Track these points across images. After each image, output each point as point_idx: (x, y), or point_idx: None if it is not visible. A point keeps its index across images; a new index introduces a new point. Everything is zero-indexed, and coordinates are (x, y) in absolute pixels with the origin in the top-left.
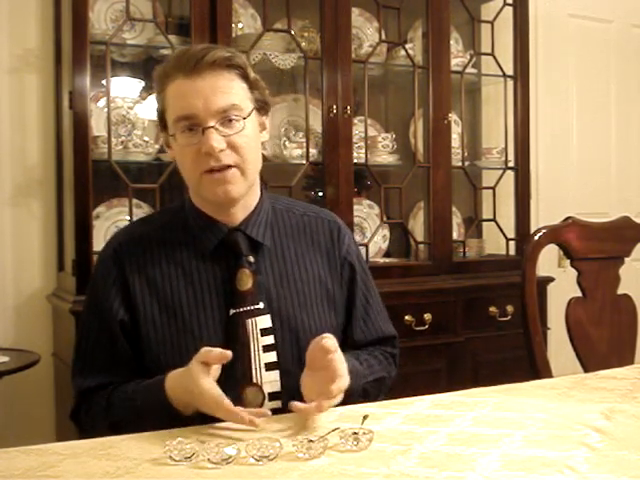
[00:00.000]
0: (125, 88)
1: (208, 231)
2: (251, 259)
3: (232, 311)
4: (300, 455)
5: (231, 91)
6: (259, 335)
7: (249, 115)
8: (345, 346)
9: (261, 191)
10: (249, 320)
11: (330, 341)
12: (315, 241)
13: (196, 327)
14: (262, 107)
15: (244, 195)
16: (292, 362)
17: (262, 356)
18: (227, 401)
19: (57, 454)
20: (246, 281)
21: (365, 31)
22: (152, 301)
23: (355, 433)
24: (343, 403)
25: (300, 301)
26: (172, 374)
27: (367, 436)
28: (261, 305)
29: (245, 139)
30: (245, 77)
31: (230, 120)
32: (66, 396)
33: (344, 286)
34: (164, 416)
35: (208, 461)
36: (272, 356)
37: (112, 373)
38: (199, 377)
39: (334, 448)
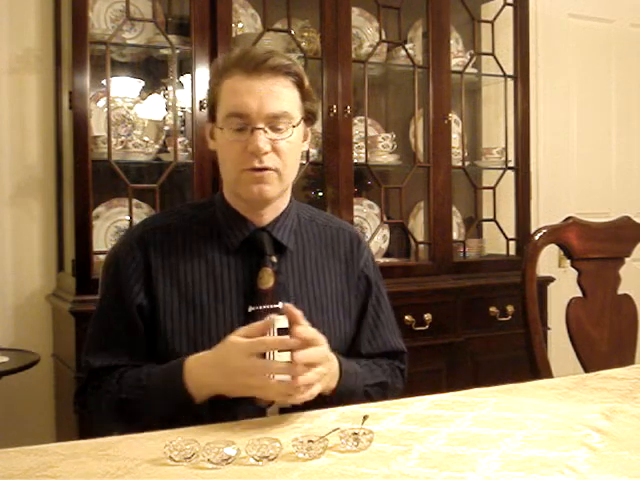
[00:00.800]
0: (125, 88)
1: (235, 227)
2: (274, 259)
3: (251, 308)
4: (300, 455)
5: (285, 98)
6: (276, 334)
7: (298, 124)
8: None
9: (291, 197)
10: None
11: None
12: (335, 252)
13: (214, 320)
14: (309, 118)
15: (277, 197)
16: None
17: (276, 356)
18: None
19: (57, 454)
20: (267, 280)
21: (365, 31)
22: (172, 290)
23: (355, 433)
24: (345, 404)
25: (317, 307)
26: (196, 355)
27: (367, 436)
28: (280, 305)
29: (289, 145)
30: (300, 86)
31: (279, 125)
32: (66, 396)
33: (359, 298)
34: (173, 400)
35: (208, 461)
36: (286, 356)
37: (127, 355)
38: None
39: (334, 448)
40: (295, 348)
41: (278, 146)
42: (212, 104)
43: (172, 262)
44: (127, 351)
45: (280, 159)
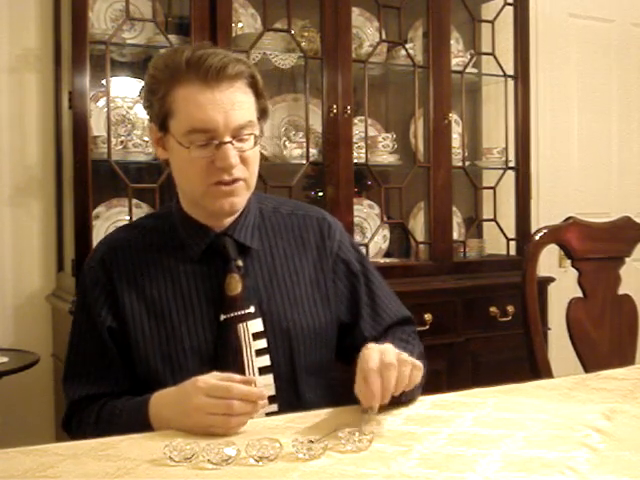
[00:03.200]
0: (125, 88)
1: (196, 236)
2: (240, 263)
3: (222, 317)
4: (300, 456)
5: (246, 107)
6: (251, 340)
7: (259, 133)
8: (352, 341)
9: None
10: (240, 325)
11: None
12: (305, 240)
13: (185, 334)
14: (262, 115)
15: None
16: (285, 364)
17: (255, 360)
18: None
19: (56, 455)
20: (235, 286)
21: (365, 31)
22: (140, 308)
23: (355, 434)
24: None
25: (291, 301)
26: (161, 391)
27: (367, 437)
28: (252, 309)
29: (254, 154)
30: (255, 86)
31: (243, 136)
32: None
33: (339, 283)
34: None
35: (208, 462)
36: (265, 360)
37: (103, 383)
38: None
39: (334, 449)
40: (259, 399)
41: (245, 156)
42: (164, 114)
43: (137, 280)
44: (103, 378)
45: (247, 169)
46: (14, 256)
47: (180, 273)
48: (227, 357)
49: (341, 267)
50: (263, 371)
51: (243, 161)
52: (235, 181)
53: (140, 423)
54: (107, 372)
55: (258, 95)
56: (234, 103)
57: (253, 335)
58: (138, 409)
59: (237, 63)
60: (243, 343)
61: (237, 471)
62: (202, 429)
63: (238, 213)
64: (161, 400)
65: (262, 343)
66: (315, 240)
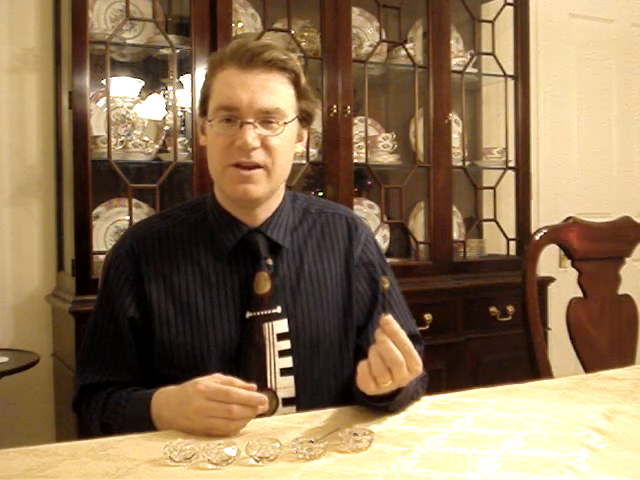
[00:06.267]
0: (125, 88)
1: (228, 230)
2: (270, 262)
3: (249, 314)
4: (300, 456)
5: (278, 95)
6: (275, 340)
7: (290, 122)
8: (358, 343)
9: (284, 194)
10: (266, 324)
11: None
12: (334, 239)
13: (211, 329)
14: (304, 118)
15: (265, 198)
16: (307, 367)
17: (277, 361)
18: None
19: (56, 455)
20: (264, 284)
21: (365, 31)
22: (167, 300)
23: (355, 434)
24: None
25: (317, 304)
26: (163, 389)
27: (367, 437)
28: (279, 309)
29: (280, 142)
30: (296, 84)
31: (270, 122)
32: (66, 396)
33: (360, 286)
34: (143, 430)
35: (208, 462)
36: (288, 361)
37: (115, 372)
38: (208, 378)
39: (334, 449)
40: (259, 405)
41: (268, 142)
42: (204, 97)
43: (165, 271)
44: (115, 367)
45: (270, 156)
46: (14, 256)
47: (209, 267)
48: (250, 355)
49: (363, 271)
50: (285, 372)
51: (266, 147)
52: (254, 167)
53: (141, 418)
54: (120, 362)
55: (300, 95)
56: (265, 88)
57: (278, 335)
58: (141, 404)
59: (276, 51)
60: (267, 342)
61: (237, 471)
62: (201, 431)
63: (272, 211)
64: (162, 400)
65: (286, 344)
66: (343, 240)
